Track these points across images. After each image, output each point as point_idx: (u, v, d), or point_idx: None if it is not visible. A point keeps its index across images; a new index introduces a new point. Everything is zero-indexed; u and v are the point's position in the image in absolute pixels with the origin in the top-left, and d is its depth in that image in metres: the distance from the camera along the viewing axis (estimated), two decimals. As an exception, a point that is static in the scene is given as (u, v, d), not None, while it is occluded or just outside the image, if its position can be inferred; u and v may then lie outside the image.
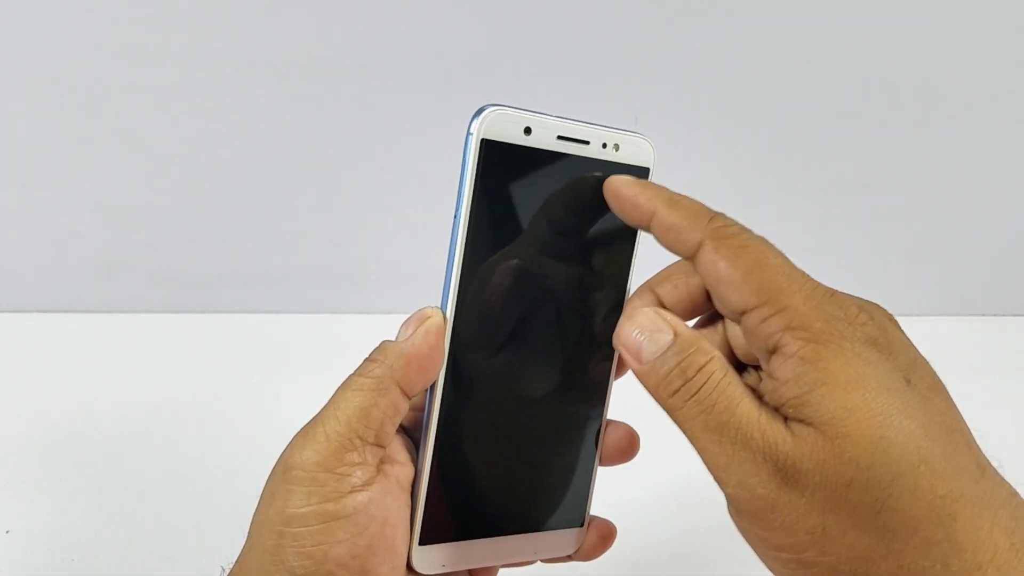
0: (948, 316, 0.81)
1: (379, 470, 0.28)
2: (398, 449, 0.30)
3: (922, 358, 0.26)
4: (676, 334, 0.27)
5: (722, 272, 0.26)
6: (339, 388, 0.29)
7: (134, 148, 0.66)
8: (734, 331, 0.29)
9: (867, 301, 0.27)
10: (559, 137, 0.29)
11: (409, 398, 0.29)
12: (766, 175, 0.73)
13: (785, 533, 0.24)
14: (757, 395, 0.26)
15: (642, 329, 0.28)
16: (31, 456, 0.54)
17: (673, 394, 0.26)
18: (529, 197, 0.29)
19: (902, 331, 0.27)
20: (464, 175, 0.28)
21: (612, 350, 0.32)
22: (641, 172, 0.31)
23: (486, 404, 0.31)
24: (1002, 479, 0.25)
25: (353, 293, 0.73)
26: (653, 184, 0.29)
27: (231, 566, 0.28)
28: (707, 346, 0.27)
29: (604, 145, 0.30)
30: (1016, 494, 0.25)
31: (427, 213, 0.71)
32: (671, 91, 0.68)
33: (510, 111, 0.28)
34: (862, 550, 0.24)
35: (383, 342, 0.30)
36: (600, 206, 0.29)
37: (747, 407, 0.25)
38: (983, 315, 0.82)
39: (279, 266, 0.72)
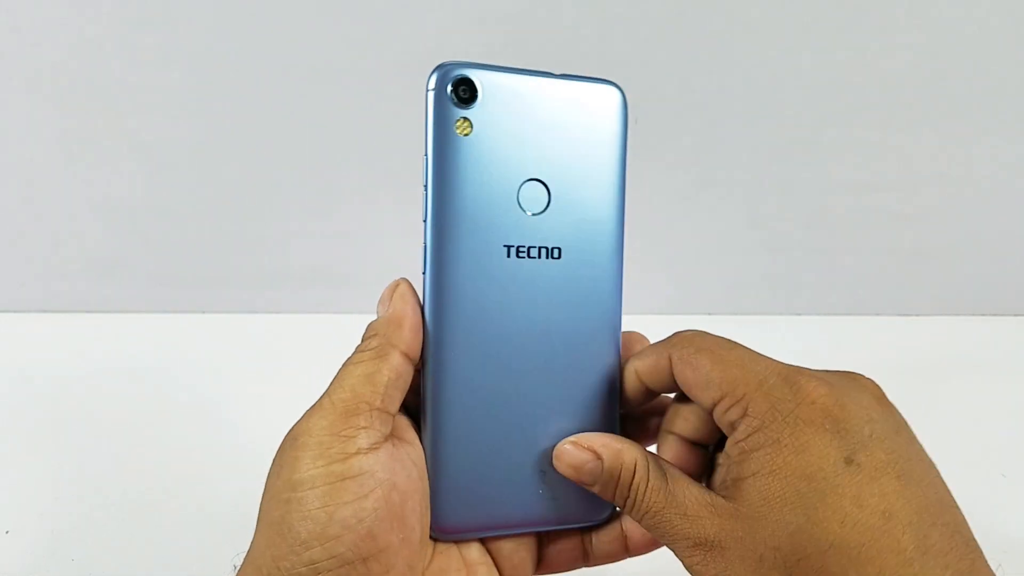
0: (948, 316, 0.81)
1: (387, 439, 0.28)
2: (406, 429, 0.30)
3: (883, 433, 0.27)
4: (600, 458, 0.30)
5: (689, 378, 0.29)
6: (340, 368, 0.29)
7: (134, 148, 0.66)
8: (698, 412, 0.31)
9: (841, 374, 0.29)
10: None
11: (412, 361, 0.30)
12: (766, 175, 0.73)
13: None
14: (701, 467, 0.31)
15: (571, 466, 0.31)
16: (31, 456, 0.54)
17: (623, 504, 0.30)
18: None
19: (874, 404, 0.28)
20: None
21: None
22: None
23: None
24: (950, 561, 0.25)
25: (353, 293, 0.73)
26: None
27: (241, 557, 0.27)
28: (629, 460, 0.30)
29: None
30: None
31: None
32: (670, 91, 0.68)
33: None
34: None
35: (369, 323, 0.31)
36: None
37: (670, 514, 0.28)
38: (983, 315, 0.82)
39: (279, 266, 0.71)
